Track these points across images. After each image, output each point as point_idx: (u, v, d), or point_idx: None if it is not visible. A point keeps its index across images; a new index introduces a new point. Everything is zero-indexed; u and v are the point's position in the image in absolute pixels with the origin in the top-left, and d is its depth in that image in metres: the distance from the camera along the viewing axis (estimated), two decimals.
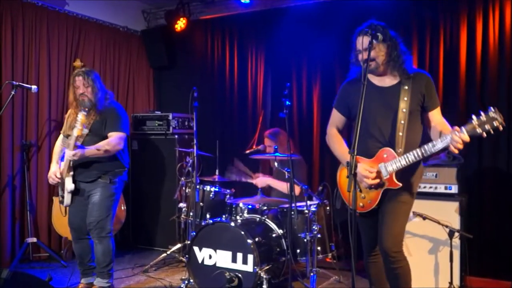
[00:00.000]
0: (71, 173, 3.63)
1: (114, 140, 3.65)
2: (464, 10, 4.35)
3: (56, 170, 3.71)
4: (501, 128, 2.31)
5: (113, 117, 3.70)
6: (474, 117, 2.37)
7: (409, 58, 2.75)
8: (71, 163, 3.58)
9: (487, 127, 2.33)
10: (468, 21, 4.33)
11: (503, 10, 4.17)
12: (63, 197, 3.69)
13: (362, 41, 2.66)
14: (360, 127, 2.37)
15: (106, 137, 3.66)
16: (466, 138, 2.37)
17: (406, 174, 2.70)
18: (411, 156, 2.58)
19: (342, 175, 2.91)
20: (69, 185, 3.62)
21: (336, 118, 2.98)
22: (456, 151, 2.42)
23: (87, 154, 3.53)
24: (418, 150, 2.56)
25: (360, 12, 4.55)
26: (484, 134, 2.35)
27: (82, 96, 3.66)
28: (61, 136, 3.92)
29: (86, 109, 3.62)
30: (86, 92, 3.66)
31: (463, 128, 2.38)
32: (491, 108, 2.33)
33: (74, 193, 3.67)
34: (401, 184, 2.64)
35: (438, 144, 2.49)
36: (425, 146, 2.54)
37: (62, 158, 3.74)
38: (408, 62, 2.73)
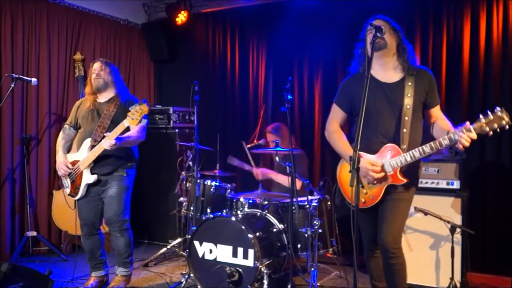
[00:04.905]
0: (91, 165, 3.61)
1: (139, 131, 3.66)
2: (468, 4, 4.32)
3: (65, 161, 3.68)
4: (507, 127, 2.36)
5: None
6: (481, 116, 2.40)
7: (414, 54, 2.77)
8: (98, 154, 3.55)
9: (495, 125, 2.37)
10: (472, 15, 4.30)
11: (507, 4, 4.13)
12: (77, 188, 3.64)
13: (373, 22, 2.67)
14: (365, 123, 2.35)
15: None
16: (474, 136, 2.41)
17: (409, 170, 2.69)
18: (417, 153, 2.57)
19: (343, 171, 2.89)
20: (89, 177, 3.60)
21: (337, 113, 2.94)
22: (462, 148, 2.45)
23: (121, 145, 3.52)
24: (424, 147, 2.55)
25: (363, 6, 4.53)
26: (491, 133, 2.39)
27: (97, 78, 3.73)
28: (66, 127, 3.86)
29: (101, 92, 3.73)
30: (101, 74, 3.74)
31: (471, 127, 2.40)
32: (497, 107, 2.37)
33: (89, 185, 3.65)
34: (405, 180, 2.64)
35: (444, 141, 2.49)
36: (432, 144, 2.53)
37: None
38: (413, 58, 2.75)
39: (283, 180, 4.19)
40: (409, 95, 2.68)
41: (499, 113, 2.36)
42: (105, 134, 3.50)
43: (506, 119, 2.35)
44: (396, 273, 2.74)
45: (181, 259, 4.71)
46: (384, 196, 2.71)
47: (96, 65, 3.79)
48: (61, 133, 3.87)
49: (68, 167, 3.65)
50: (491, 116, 2.37)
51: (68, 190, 3.71)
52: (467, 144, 2.41)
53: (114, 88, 3.78)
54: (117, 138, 3.44)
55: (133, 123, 3.41)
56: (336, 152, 2.90)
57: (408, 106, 2.67)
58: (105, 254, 3.89)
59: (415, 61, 2.77)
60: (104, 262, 3.87)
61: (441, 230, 3.62)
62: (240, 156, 4.80)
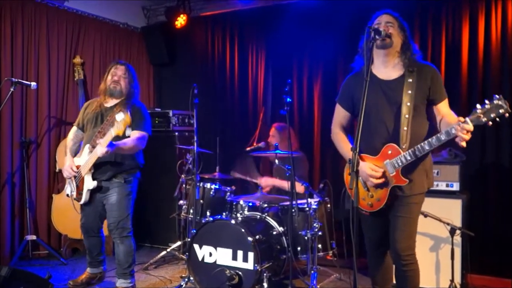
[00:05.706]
0: (92, 171, 3.57)
1: (137, 139, 3.59)
2: (466, 5, 4.33)
3: (72, 163, 3.65)
4: (507, 115, 2.22)
5: (138, 117, 3.64)
6: (478, 106, 2.29)
7: (418, 52, 2.73)
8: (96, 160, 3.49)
9: (492, 115, 2.24)
10: (470, 16, 4.32)
11: (505, 5, 4.15)
12: (80, 193, 3.63)
13: (382, 17, 2.67)
14: (364, 123, 2.32)
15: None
16: (470, 127, 2.27)
17: (416, 172, 2.63)
18: (416, 151, 2.50)
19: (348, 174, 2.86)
20: (90, 183, 3.57)
21: (340, 114, 2.90)
22: (463, 144, 2.32)
23: (115, 151, 3.45)
24: (423, 144, 2.47)
25: (362, 7, 4.53)
26: (490, 123, 2.26)
27: (114, 84, 3.68)
28: (74, 128, 3.85)
29: (116, 101, 3.67)
30: (121, 82, 3.69)
31: (467, 119, 2.29)
32: (496, 95, 2.25)
33: (92, 191, 3.62)
34: (408, 180, 2.56)
35: (442, 136, 2.40)
36: (430, 140, 2.45)
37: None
38: (418, 56, 2.71)
39: (286, 186, 4.19)
40: (409, 92, 2.60)
41: (496, 101, 2.23)
42: (98, 141, 3.43)
43: (505, 106, 2.21)
44: (409, 279, 2.71)
45: (181, 262, 4.70)
46: (392, 201, 2.64)
47: (119, 70, 3.72)
48: (70, 134, 3.86)
49: (73, 170, 3.63)
50: (487, 106, 2.25)
51: (74, 194, 3.70)
52: (465, 137, 2.28)
53: (126, 95, 3.72)
54: (110, 145, 3.35)
55: (119, 133, 3.30)
56: (341, 154, 2.87)
57: (408, 104, 2.59)
58: (104, 255, 3.93)
59: (420, 58, 2.72)
60: (101, 261, 3.92)
61: (441, 232, 3.62)
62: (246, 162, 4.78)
